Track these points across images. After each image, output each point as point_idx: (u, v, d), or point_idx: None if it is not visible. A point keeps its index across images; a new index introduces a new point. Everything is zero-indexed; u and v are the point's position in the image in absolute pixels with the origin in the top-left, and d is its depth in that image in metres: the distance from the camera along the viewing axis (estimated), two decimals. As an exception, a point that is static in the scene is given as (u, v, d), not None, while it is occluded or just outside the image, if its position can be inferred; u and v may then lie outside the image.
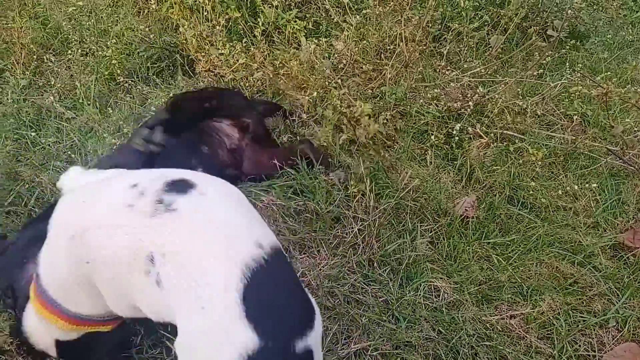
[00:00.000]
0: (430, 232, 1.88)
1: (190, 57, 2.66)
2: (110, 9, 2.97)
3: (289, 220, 1.81)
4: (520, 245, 1.89)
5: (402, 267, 1.75)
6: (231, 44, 2.53)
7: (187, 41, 2.51)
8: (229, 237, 1.01)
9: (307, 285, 1.67)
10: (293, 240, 1.78)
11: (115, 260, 1.03)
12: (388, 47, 2.71)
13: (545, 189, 2.11)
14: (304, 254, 1.77)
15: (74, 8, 2.80)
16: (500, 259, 1.84)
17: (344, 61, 2.51)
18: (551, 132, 2.39)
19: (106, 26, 2.81)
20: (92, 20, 2.81)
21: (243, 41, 2.59)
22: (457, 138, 2.21)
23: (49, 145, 2.14)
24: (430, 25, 2.76)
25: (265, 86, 2.45)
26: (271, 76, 2.43)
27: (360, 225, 1.82)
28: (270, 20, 2.65)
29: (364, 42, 2.64)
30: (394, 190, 1.94)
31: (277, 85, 2.43)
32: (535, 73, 2.62)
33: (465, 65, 2.68)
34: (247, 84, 2.46)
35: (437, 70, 2.66)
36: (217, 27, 2.41)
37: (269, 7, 2.60)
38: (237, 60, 2.42)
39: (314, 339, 1.00)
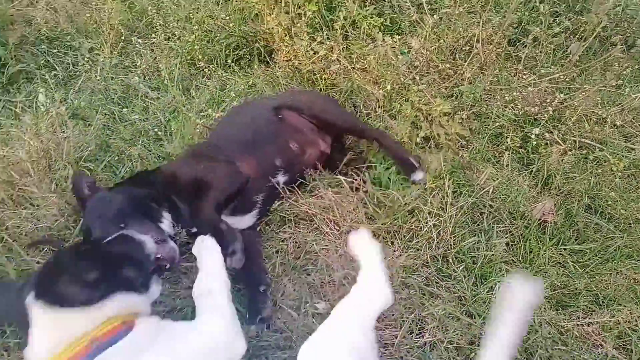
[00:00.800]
0: (506, 234, 1.87)
1: (267, 47, 2.74)
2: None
3: (369, 209, 1.83)
4: (597, 255, 1.86)
5: (477, 266, 1.75)
6: (311, 35, 2.58)
7: (270, 31, 2.58)
8: None
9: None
10: (369, 229, 1.80)
11: None
12: (463, 48, 2.70)
13: (625, 200, 2.06)
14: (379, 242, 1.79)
15: (160, -4, 2.92)
16: (577, 266, 1.82)
17: (421, 59, 2.52)
18: (630, 144, 2.33)
19: (188, 12, 2.92)
20: (175, 6, 2.92)
21: (320, 34, 2.64)
22: (534, 143, 2.19)
23: (136, 121, 2.24)
24: (507, 28, 2.73)
25: (341, 79, 2.48)
26: (348, 69, 2.47)
27: (436, 221, 1.83)
28: (351, 15, 2.69)
29: (440, 41, 2.64)
30: (471, 189, 1.94)
31: (352, 78, 2.47)
32: (614, 83, 2.55)
33: (542, 71, 2.64)
34: (323, 76, 2.50)
35: (514, 73, 2.63)
36: (304, 19, 2.46)
37: (351, 1, 2.63)
38: (316, 52, 2.46)
39: None
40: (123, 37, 2.71)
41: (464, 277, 1.73)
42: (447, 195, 1.86)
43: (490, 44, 2.64)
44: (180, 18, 2.92)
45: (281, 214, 1.84)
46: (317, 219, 1.82)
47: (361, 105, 2.34)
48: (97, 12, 2.78)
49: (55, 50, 2.56)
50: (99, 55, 2.59)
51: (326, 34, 2.70)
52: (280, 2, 2.70)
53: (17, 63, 2.41)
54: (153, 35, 2.75)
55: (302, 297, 1.62)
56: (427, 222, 1.83)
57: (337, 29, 2.62)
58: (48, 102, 2.11)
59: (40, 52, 2.51)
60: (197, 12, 2.92)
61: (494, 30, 2.62)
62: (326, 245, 1.77)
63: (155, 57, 2.65)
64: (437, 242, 1.80)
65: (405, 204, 1.84)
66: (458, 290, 1.69)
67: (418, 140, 2.05)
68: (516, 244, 1.86)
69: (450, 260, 1.76)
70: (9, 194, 1.75)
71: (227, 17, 2.82)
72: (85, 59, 2.54)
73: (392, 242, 1.80)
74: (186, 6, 2.98)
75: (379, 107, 2.31)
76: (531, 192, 2.05)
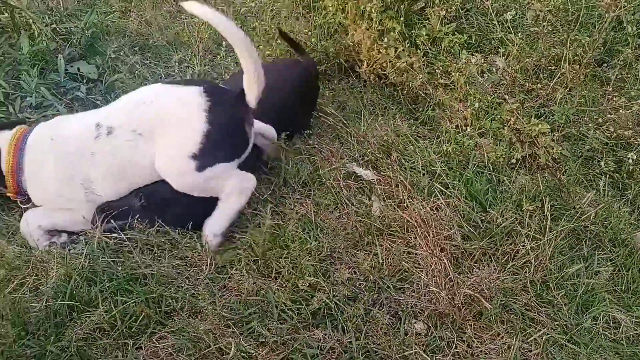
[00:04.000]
0: (608, 262, 1.80)
1: (349, 62, 2.77)
2: (272, 12, 3.16)
3: (464, 228, 1.81)
4: None
5: (579, 294, 1.70)
6: (394, 50, 2.59)
7: (354, 44, 2.60)
8: None
9: (480, 292, 1.65)
10: (466, 248, 1.78)
11: None
12: (548, 67, 2.65)
13: None
14: (475, 263, 1.76)
15: (246, 8, 3.01)
16: (686, 299, 1.73)
17: (507, 77, 2.49)
18: None
19: (270, 28, 2.99)
20: (258, 22, 3.00)
21: (402, 49, 2.64)
22: (630, 168, 2.12)
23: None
24: (595, 48, 2.67)
25: (425, 94, 2.48)
26: (432, 85, 2.47)
27: (534, 244, 1.79)
28: (433, 32, 2.69)
29: (527, 60, 2.60)
30: (569, 213, 1.89)
31: (436, 94, 2.46)
32: None
33: (632, 93, 2.56)
34: (405, 92, 2.51)
35: (602, 94, 2.56)
36: (392, 34, 2.48)
37: (435, 17, 2.64)
38: (400, 66, 2.47)
39: None
40: (211, 50, 2.80)
41: (565, 304, 1.68)
42: (546, 219, 1.82)
43: (578, 64, 2.58)
44: (261, 33, 3.00)
45: (375, 225, 1.84)
46: (410, 234, 1.81)
47: (448, 122, 2.33)
48: (187, 26, 2.89)
49: (148, 62, 2.67)
50: (188, 67, 2.69)
51: (407, 51, 2.70)
52: (364, 17, 2.73)
53: (114, 73, 2.53)
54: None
55: (401, 316, 1.61)
56: (524, 246, 1.79)
57: (418, 45, 2.62)
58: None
59: (134, 62, 2.63)
60: (279, 25, 2.99)
61: (583, 50, 2.56)
62: (419, 264, 1.76)
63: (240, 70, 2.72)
64: (535, 267, 1.76)
65: (503, 225, 1.81)
66: (560, 317, 1.64)
67: (513, 161, 2.01)
68: (618, 272, 1.79)
69: (551, 286, 1.72)
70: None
71: (309, 33, 2.88)
72: (176, 70, 2.65)
73: (487, 264, 1.77)
74: (268, 21, 3.06)
75: (465, 124, 2.30)
76: (630, 219, 1.98)
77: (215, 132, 1.69)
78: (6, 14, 2.58)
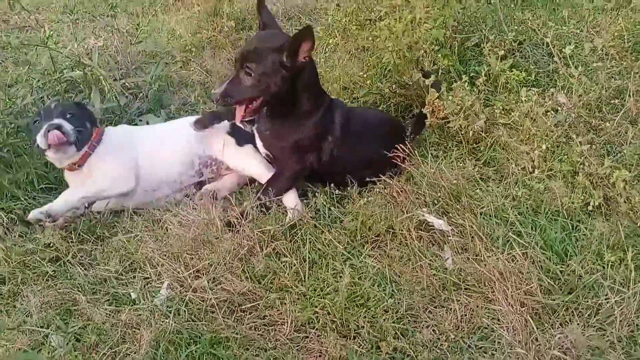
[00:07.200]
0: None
1: (404, 102, 2.79)
2: (325, 54, 3.23)
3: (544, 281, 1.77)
4: None
5: (672, 351, 1.62)
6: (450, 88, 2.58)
7: (410, 86, 2.62)
8: None
9: (566, 350, 1.60)
10: (544, 303, 1.74)
11: None
12: (609, 102, 2.59)
13: None
14: (557, 318, 1.72)
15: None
16: None
17: (572, 115, 2.44)
18: None
19: (324, 70, 3.05)
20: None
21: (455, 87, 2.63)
22: None
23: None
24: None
25: (485, 135, 2.46)
26: (492, 123, 2.44)
27: (618, 297, 1.73)
28: (492, 69, 2.67)
29: (589, 94, 2.54)
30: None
31: (498, 134, 2.43)
32: None
33: None
34: (464, 131, 2.48)
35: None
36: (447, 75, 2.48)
37: (494, 57, 2.61)
38: (459, 106, 2.45)
39: None
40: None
41: (658, 362, 1.61)
42: (630, 270, 1.76)
43: (644, 99, 2.50)
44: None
45: (451, 279, 1.82)
46: (487, 288, 1.79)
47: (513, 164, 2.29)
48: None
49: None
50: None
51: (464, 88, 2.69)
52: (417, 59, 2.74)
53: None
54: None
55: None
56: (608, 299, 1.73)
57: (477, 85, 2.60)
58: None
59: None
60: (333, 70, 3.05)
61: (651, 82, 2.48)
62: (499, 320, 1.73)
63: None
64: (621, 322, 1.69)
65: (584, 277, 1.76)
66: (653, 377, 1.58)
67: (590, 208, 1.96)
68: None
69: (639, 342, 1.65)
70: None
71: (364, 74, 2.92)
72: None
73: (569, 320, 1.72)
74: (322, 63, 3.12)
75: (533, 167, 2.26)
76: None
77: None
78: (79, 72, 2.73)
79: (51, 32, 2.56)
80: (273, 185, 2.19)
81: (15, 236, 2.14)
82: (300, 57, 2.04)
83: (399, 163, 2.29)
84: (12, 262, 2.01)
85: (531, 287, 1.76)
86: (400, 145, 2.29)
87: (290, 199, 2.20)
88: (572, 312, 1.74)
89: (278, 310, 1.75)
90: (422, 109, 2.47)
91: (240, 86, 2.06)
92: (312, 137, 2.20)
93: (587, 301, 1.75)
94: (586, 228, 1.95)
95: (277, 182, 2.20)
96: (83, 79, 2.72)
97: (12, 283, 1.96)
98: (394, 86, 2.78)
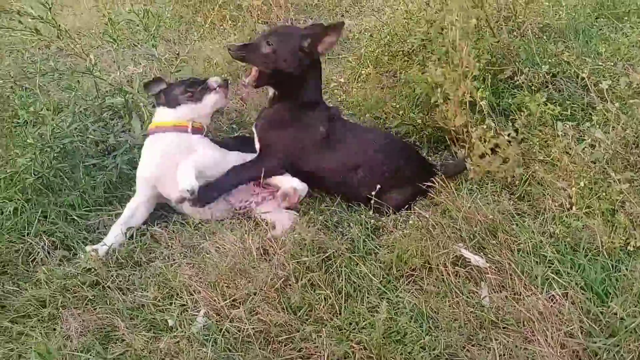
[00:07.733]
0: None
1: (436, 135, 2.80)
2: (357, 83, 3.27)
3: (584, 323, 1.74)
4: None
5: None
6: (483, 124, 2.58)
7: (443, 119, 2.62)
8: None
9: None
10: (585, 345, 1.70)
11: None
12: (647, 136, 2.55)
13: None
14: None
15: (335, 84, 3.14)
16: None
17: (609, 151, 2.41)
18: None
19: (356, 100, 3.09)
20: (345, 95, 3.12)
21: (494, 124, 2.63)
22: None
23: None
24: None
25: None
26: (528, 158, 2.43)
27: (664, 342, 1.68)
28: (524, 103, 2.67)
29: (627, 130, 2.51)
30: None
31: (534, 169, 2.41)
32: None
33: None
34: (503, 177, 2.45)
35: None
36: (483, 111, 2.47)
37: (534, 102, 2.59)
38: (494, 144, 2.44)
39: None
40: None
41: None
42: (677, 314, 1.71)
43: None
44: (348, 104, 3.10)
45: (489, 317, 1.80)
46: (527, 328, 1.76)
47: (550, 200, 2.27)
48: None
49: (244, 137, 2.84)
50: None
51: (498, 123, 2.68)
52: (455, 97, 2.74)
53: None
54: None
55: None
56: (653, 343, 1.69)
57: (518, 129, 2.55)
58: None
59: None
60: (366, 100, 3.08)
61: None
62: (539, 362, 1.69)
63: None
64: (668, 367, 1.65)
65: (626, 321, 1.72)
66: None
67: (630, 248, 1.93)
68: None
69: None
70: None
71: (396, 105, 2.94)
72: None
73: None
74: (354, 93, 3.17)
75: (570, 203, 2.23)
76: None
77: None
78: (120, 98, 2.82)
79: (96, 61, 2.66)
80: (246, 169, 2.32)
81: (56, 260, 2.19)
82: (320, 48, 2.24)
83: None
84: (52, 286, 2.06)
85: (572, 329, 1.73)
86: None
87: (286, 180, 2.30)
88: (614, 355, 1.70)
89: (314, 343, 1.75)
90: (463, 154, 2.48)
91: (256, 52, 2.24)
92: (305, 129, 2.31)
93: (629, 345, 1.71)
94: (627, 269, 1.91)
95: (252, 168, 2.31)
96: (124, 105, 2.81)
97: (52, 306, 2.00)
98: (426, 117, 2.79)
